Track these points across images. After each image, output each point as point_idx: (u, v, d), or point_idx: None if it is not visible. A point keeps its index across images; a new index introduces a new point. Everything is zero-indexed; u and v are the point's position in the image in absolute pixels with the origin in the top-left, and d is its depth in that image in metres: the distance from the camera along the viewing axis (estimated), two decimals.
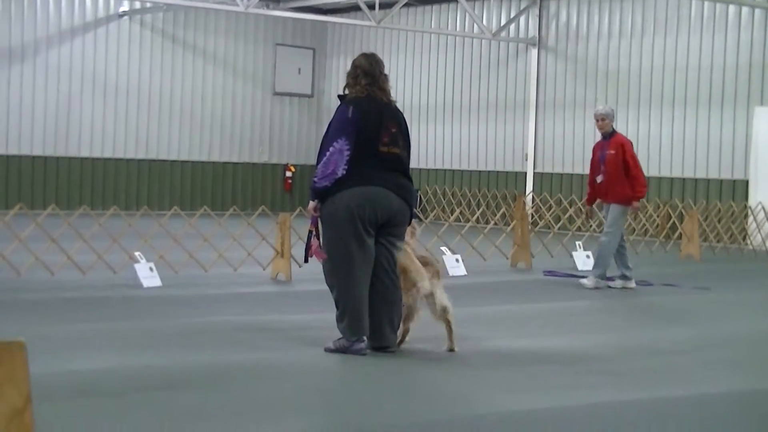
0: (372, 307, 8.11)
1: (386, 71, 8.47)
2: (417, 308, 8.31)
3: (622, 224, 13.18)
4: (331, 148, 8.03)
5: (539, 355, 8.59)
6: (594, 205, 13.66)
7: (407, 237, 8.51)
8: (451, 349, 8.38)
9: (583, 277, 13.54)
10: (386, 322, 8.19)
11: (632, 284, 13.18)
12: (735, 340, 9.70)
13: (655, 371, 8.02)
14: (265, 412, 6.37)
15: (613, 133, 13.17)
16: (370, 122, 8.06)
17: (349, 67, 8.58)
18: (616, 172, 12.92)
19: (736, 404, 7.03)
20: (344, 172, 7.99)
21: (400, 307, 8.23)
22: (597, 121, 13.21)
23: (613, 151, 12.97)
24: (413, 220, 8.51)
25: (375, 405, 6.67)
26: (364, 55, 8.43)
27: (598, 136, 13.63)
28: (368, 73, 8.24)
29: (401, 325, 8.38)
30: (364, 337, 8.11)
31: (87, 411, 6.28)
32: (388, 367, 7.95)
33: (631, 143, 13.29)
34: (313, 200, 8.24)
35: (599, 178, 13.09)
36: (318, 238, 8.34)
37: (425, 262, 8.46)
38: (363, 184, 7.98)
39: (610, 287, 13.19)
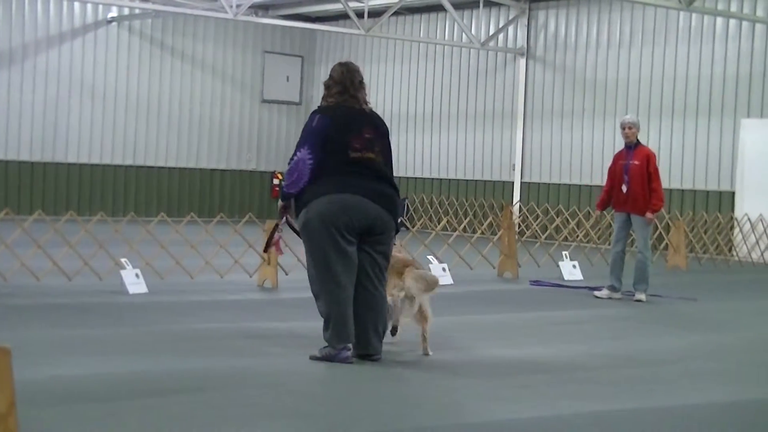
0: (357, 316, 8.10)
1: (364, 79, 8.48)
2: (399, 308, 8.44)
3: (649, 235, 13.23)
4: (294, 157, 8.16)
5: (525, 364, 8.59)
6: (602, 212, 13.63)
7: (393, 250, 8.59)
8: (426, 353, 8.53)
9: (597, 289, 13.57)
10: (371, 330, 8.17)
11: (618, 295, 13.20)
12: (721, 350, 9.72)
13: (641, 381, 8.03)
14: (251, 420, 6.36)
15: (638, 143, 13.17)
16: (338, 130, 8.08)
17: None
18: (641, 183, 12.94)
19: (721, 415, 7.04)
20: (309, 179, 8.05)
21: (385, 314, 8.26)
22: (624, 129, 13.16)
23: (638, 162, 12.98)
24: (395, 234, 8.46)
25: (361, 412, 6.67)
26: (339, 64, 8.48)
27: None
28: (339, 82, 8.28)
29: (423, 331, 8.53)
30: (350, 345, 8.11)
31: (72, 417, 6.26)
32: (374, 375, 7.94)
33: (656, 155, 13.29)
34: (283, 201, 8.43)
35: (624, 188, 13.04)
36: (280, 235, 8.65)
37: (409, 263, 8.62)
38: (335, 192, 7.99)
39: (596, 297, 13.20)
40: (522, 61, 24.71)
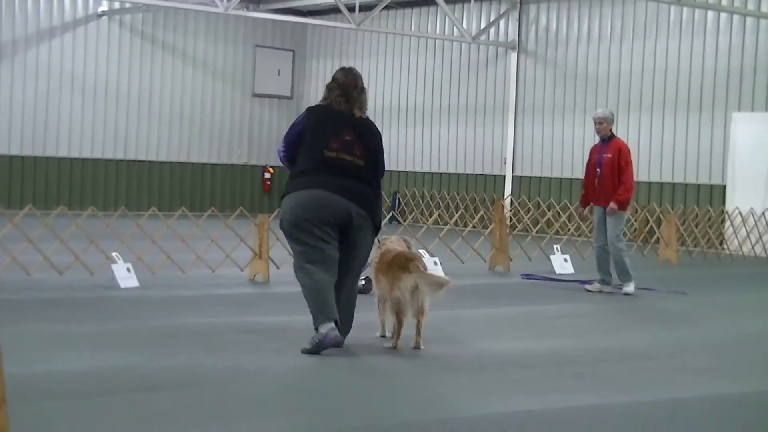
0: (339, 306, 8.33)
1: (365, 85, 8.71)
2: (406, 301, 8.44)
3: (621, 228, 13.17)
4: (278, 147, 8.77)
5: (516, 358, 8.60)
6: (587, 208, 13.49)
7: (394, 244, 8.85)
8: (417, 347, 8.59)
9: (588, 282, 13.52)
10: (343, 314, 8.41)
11: (609, 288, 13.22)
12: (711, 344, 9.74)
13: (632, 375, 8.05)
14: (242, 414, 6.36)
15: (612, 137, 13.15)
16: (316, 128, 8.42)
17: (328, 69, 8.86)
18: (612, 176, 12.91)
19: (711, 408, 7.06)
20: (288, 166, 8.61)
21: (353, 308, 8.55)
22: (595, 124, 13.18)
23: (610, 155, 12.96)
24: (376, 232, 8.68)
25: (353, 406, 6.67)
26: (342, 69, 8.73)
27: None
28: (341, 85, 8.57)
29: (396, 323, 8.55)
30: (335, 324, 8.21)
31: (62, 412, 6.26)
32: (366, 369, 7.95)
33: (629, 149, 13.23)
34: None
35: (596, 182, 13.05)
36: None
37: (413, 257, 8.70)
38: (307, 188, 8.31)
39: (588, 290, 13.22)
40: (513, 55, 24.71)
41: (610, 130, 13.13)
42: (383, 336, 9.03)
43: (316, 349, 8.20)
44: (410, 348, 8.63)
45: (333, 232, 8.30)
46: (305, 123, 8.50)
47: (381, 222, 8.69)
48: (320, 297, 8.23)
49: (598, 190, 13.07)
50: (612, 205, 12.87)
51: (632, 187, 13.13)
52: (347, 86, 8.55)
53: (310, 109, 8.65)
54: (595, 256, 13.39)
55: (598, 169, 13.04)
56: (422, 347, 8.61)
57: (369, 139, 8.56)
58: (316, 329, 8.23)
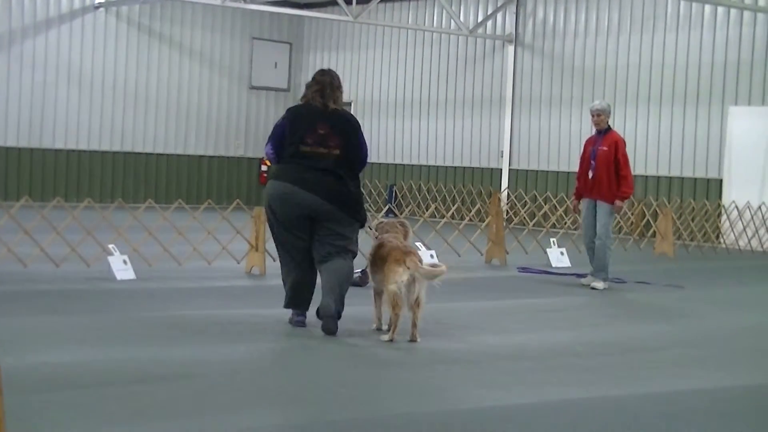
0: (322, 279, 8.89)
1: (341, 85, 9.30)
2: (402, 294, 8.55)
3: (611, 223, 13.09)
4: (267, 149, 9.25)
5: (512, 350, 8.62)
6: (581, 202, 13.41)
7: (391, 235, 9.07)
8: (413, 340, 8.65)
9: (583, 275, 13.38)
10: (327, 290, 8.77)
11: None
12: (707, 337, 9.76)
13: (627, 368, 8.06)
14: (238, 406, 6.37)
15: (609, 129, 13.06)
16: (295, 125, 8.99)
17: (325, 62, 9.19)
18: (606, 170, 12.78)
19: (706, 401, 7.07)
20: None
21: (344, 279, 8.84)
22: (593, 116, 13.07)
23: (605, 148, 12.83)
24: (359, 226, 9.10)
25: (348, 399, 6.68)
26: (321, 70, 9.37)
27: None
28: (318, 82, 9.16)
29: (392, 316, 8.63)
30: (304, 313, 9.12)
31: (57, 403, 6.26)
32: (362, 361, 7.96)
33: (625, 142, 13.14)
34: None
35: (590, 174, 12.96)
36: None
37: (411, 250, 8.81)
38: (277, 180, 8.97)
39: (583, 284, 13.19)
40: (510, 48, 24.70)
41: (607, 122, 13.06)
42: (379, 329, 9.05)
43: (292, 323, 9.17)
44: (406, 341, 8.64)
45: (304, 224, 8.88)
46: (285, 122, 9.09)
47: (360, 213, 9.01)
48: (292, 289, 9.07)
49: (590, 182, 12.97)
50: (618, 203, 12.80)
51: (633, 182, 13.09)
52: (323, 83, 9.12)
53: (289, 109, 9.27)
54: (585, 249, 13.31)
55: (592, 162, 12.96)
56: (418, 340, 8.65)
57: (344, 128, 9.03)
58: (286, 306, 9.18)
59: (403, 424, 6.09)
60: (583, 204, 13.11)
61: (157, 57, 27.17)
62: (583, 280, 13.29)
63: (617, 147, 12.82)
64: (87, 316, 9.54)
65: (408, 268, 8.52)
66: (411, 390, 7.03)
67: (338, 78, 9.28)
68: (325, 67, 9.76)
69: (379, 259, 8.78)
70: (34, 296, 10.56)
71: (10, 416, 5.39)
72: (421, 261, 8.78)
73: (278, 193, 8.91)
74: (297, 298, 9.09)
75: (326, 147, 8.90)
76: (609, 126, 13.07)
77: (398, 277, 8.52)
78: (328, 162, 8.88)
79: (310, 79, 9.32)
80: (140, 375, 7.12)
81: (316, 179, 8.82)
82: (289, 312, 9.30)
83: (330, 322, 8.79)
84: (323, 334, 8.76)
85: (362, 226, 9.14)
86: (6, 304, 9.95)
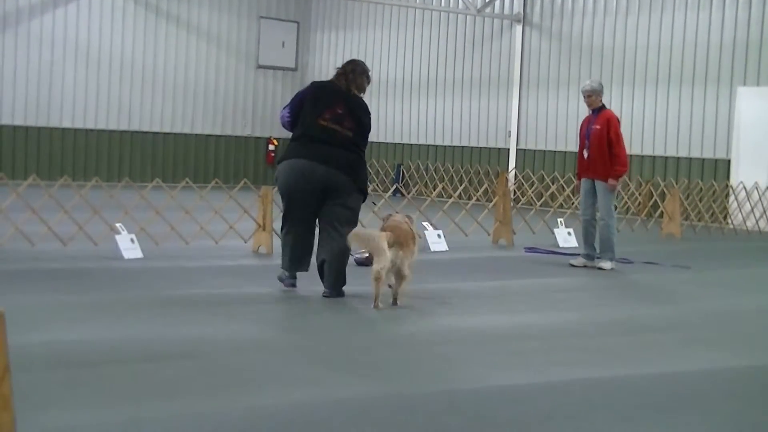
0: (321, 258, 9.67)
1: (369, 74, 10.11)
2: (383, 274, 9.12)
3: (612, 202, 13.02)
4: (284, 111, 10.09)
5: (518, 331, 8.63)
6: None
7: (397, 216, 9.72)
8: (394, 303, 9.36)
9: (596, 256, 13.21)
10: (327, 270, 9.63)
11: (593, 263, 13.04)
12: (713, 318, 9.75)
13: (633, 348, 8.07)
14: (244, 385, 6.38)
15: (602, 108, 13.00)
16: (315, 99, 9.75)
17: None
18: (600, 148, 12.71)
19: (712, 382, 7.08)
20: (290, 129, 9.98)
21: (342, 258, 9.63)
22: (584, 97, 13.02)
23: (598, 127, 12.75)
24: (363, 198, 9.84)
25: (352, 378, 6.69)
26: (352, 60, 10.15)
27: (582, 114, 13.53)
28: (347, 69, 9.91)
29: (396, 286, 9.38)
30: (295, 276, 9.86)
31: (65, 381, 6.28)
32: (367, 341, 7.98)
33: (618, 120, 13.05)
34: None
35: (585, 153, 12.93)
36: None
37: (401, 239, 9.25)
38: (293, 157, 9.65)
39: (572, 265, 13.08)
40: (518, 28, 24.62)
41: (601, 101, 12.97)
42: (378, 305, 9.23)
43: (279, 280, 9.96)
44: (412, 321, 8.66)
45: (316, 196, 9.60)
46: (307, 93, 9.88)
47: (366, 185, 9.85)
48: (288, 253, 9.80)
49: (586, 162, 12.93)
50: (611, 181, 12.73)
51: (627, 160, 13.01)
52: (348, 70, 9.89)
53: (314, 83, 10.10)
54: (581, 229, 13.24)
55: (586, 141, 12.90)
56: (399, 304, 9.33)
57: (359, 113, 9.78)
58: (282, 268, 9.89)
59: (408, 403, 6.10)
60: (582, 184, 13.07)
61: (165, 36, 27.15)
62: (573, 261, 13.17)
63: (609, 125, 12.72)
64: (94, 294, 9.56)
65: (392, 247, 9.11)
66: (416, 369, 7.04)
67: (364, 66, 10.05)
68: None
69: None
70: (41, 275, 10.58)
71: (17, 394, 5.41)
72: (413, 238, 9.41)
73: (298, 169, 9.57)
74: (287, 261, 9.82)
75: (341, 126, 9.65)
76: (603, 104, 12.98)
77: (383, 259, 9.05)
78: (342, 139, 9.63)
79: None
80: (147, 353, 7.14)
81: (330, 153, 9.55)
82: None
83: (326, 294, 9.75)
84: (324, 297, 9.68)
85: (364, 199, 9.90)
86: (13, 283, 9.98)
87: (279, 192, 9.91)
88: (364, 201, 9.90)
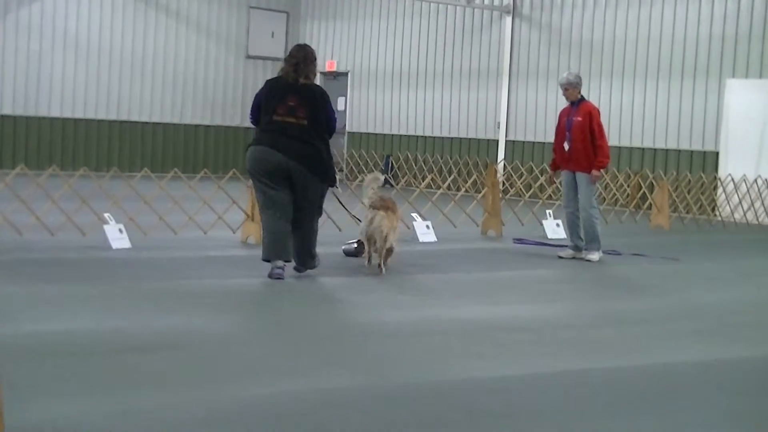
0: (294, 239, 10.18)
1: (316, 59, 10.44)
2: (379, 240, 10.68)
3: (594, 193, 13.03)
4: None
5: (507, 322, 8.63)
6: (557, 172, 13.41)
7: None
8: (380, 267, 10.75)
9: (584, 248, 13.26)
10: (299, 249, 10.25)
11: (581, 255, 13.07)
12: (701, 310, 9.77)
13: (622, 340, 8.08)
14: (231, 376, 6.38)
15: (582, 100, 12.99)
16: (269, 97, 10.21)
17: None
18: (582, 140, 12.70)
19: (700, 373, 7.09)
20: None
21: (310, 240, 10.30)
22: (562, 90, 13.02)
23: (580, 118, 12.73)
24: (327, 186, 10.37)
25: (342, 369, 6.69)
26: (297, 45, 10.59)
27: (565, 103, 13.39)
28: (294, 56, 10.30)
29: (368, 248, 10.90)
30: (280, 265, 10.08)
31: (52, 372, 6.27)
32: (356, 332, 7.98)
33: (599, 111, 13.07)
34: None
35: (566, 146, 12.92)
36: None
37: (386, 205, 10.84)
38: (255, 144, 10.20)
39: (560, 257, 13.08)
40: (508, 20, 24.60)
41: (579, 93, 12.96)
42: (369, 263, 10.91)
43: (270, 276, 10.10)
44: (401, 312, 8.66)
45: (278, 180, 10.01)
46: (262, 93, 10.34)
47: (330, 174, 10.22)
48: (274, 240, 10.06)
49: (567, 155, 12.92)
50: (595, 172, 12.73)
51: (609, 151, 13.00)
52: (297, 59, 10.23)
53: (267, 81, 10.50)
54: (566, 222, 13.24)
55: (567, 133, 12.89)
56: (384, 272, 10.65)
57: (312, 101, 10.13)
58: (266, 261, 10.18)
59: (396, 394, 6.10)
60: (563, 176, 13.08)
61: (154, 25, 27.07)
62: (561, 253, 13.17)
63: (591, 117, 12.72)
64: (82, 284, 9.54)
65: (380, 213, 10.65)
66: (405, 360, 7.04)
67: (313, 52, 10.40)
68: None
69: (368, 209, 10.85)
70: (29, 265, 10.55)
71: (5, 384, 5.40)
72: (394, 211, 10.84)
73: (256, 154, 10.10)
74: (275, 246, 10.06)
75: (295, 117, 10.08)
76: (582, 96, 12.98)
77: (374, 224, 10.63)
78: (297, 130, 10.05)
79: (288, 54, 10.43)
80: (135, 344, 7.12)
81: (286, 143, 10.00)
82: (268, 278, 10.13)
83: (299, 269, 10.42)
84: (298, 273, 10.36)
85: (332, 185, 10.30)
86: (1, 273, 9.94)
87: (250, 179, 10.55)
88: (331, 186, 10.35)
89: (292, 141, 10.03)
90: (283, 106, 10.10)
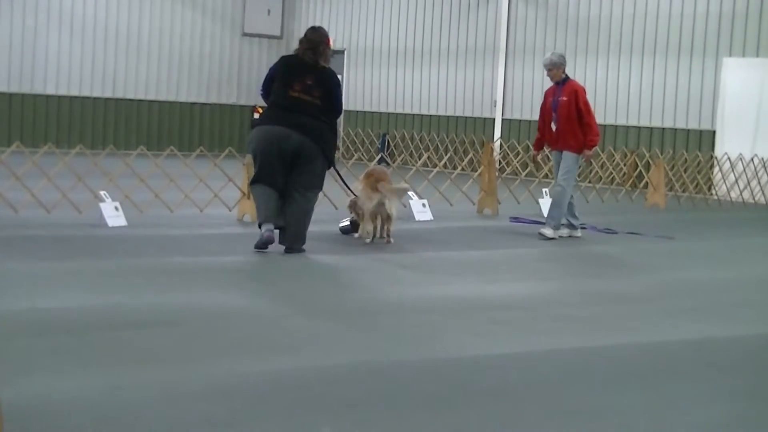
0: (287, 219, 10.38)
1: (329, 42, 10.80)
2: (374, 211, 11.25)
3: (575, 171, 12.99)
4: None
5: (502, 300, 8.65)
6: (540, 151, 13.44)
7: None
8: (388, 241, 11.42)
9: (580, 225, 13.25)
10: (293, 229, 10.40)
11: (578, 233, 13.06)
12: (696, 288, 9.79)
13: (617, 318, 8.10)
14: (226, 352, 6.39)
15: (567, 79, 12.92)
16: (286, 73, 10.51)
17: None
18: (568, 120, 12.65)
19: (694, 352, 7.11)
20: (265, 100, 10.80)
21: (305, 219, 10.49)
22: (546, 71, 12.95)
23: (565, 98, 12.65)
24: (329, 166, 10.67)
25: (337, 346, 6.71)
26: (312, 28, 10.86)
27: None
28: (309, 40, 10.63)
29: (367, 224, 11.33)
30: (272, 228, 10.28)
31: (48, 349, 6.27)
32: (353, 309, 7.99)
33: (585, 90, 13.00)
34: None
35: (553, 126, 12.89)
36: None
37: (382, 178, 11.35)
38: (269, 123, 10.42)
39: (561, 236, 13.07)
40: None
41: (564, 72, 12.91)
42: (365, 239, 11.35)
43: (259, 245, 10.35)
44: (396, 290, 8.67)
45: (284, 161, 10.27)
46: (278, 67, 10.63)
47: (332, 153, 10.59)
48: (263, 202, 10.33)
49: (555, 135, 12.89)
50: (586, 151, 12.69)
51: (598, 129, 12.95)
52: (315, 42, 10.58)
53: (283, 57, 10.90)
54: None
55: (554, 113, 12.85)
56: (392, 242, 11.38)
57: (327, 83, 10.50)
58: (259, 226, 10.39)
59: (393, 372, 6.12)
60: (552, 156, 13.06)
61: (150, 2, 26.99)
62: (558, 232, 13.15)
63: (577, 96, 12.65)
64: (78, 262, 9.54)
65: (379, 191, 11.05)
66: (399, 337, 7.06)
67: (327, 35, 10.76)
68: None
69: (365, 189, 11.19)
70: (25, 242, 10.55)
71: (1, 360, 5.41)
72: (390, 183, 11.33)
73: (273, 133, 10.27)
74: (262, 211, 10.34)
75: (310, 95, 10.39)
76: (567, 76, 12.92)
77: (372, 199, 11.06)
78: (311, 107, 10.36)
79: (302, 35, 10.75)
80: (131, 321, 7.13)
81: (303, 121, 10.29)
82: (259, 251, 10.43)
83: (293, 249, 10.49)
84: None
85: (330, 166, 10.63)
86: None
87: (252, 155, 10.62)
88: (329, 168, 10.67)
89: (305, 117, 10.32)
90: (301, 83, 10.41)
